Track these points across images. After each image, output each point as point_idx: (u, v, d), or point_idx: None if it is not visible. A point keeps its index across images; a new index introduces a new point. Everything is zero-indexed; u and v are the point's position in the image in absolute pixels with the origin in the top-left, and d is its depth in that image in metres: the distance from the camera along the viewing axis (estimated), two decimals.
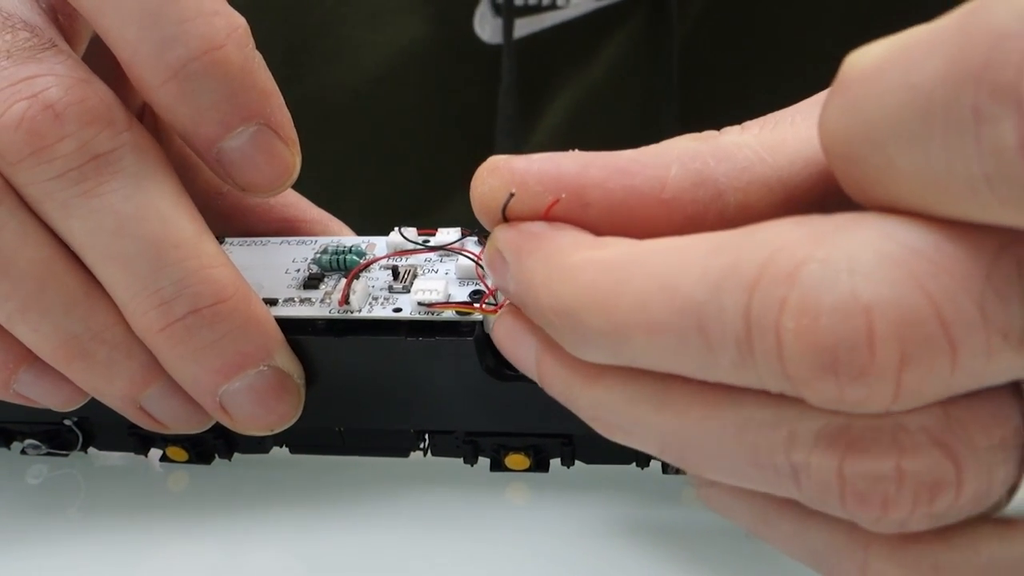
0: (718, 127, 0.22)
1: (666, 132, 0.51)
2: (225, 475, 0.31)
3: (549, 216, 0.22)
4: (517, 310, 0.23)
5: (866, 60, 0.17)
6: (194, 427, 0.28)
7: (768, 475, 0.19)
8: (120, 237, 0.24)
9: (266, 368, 0.26)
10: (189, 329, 0.25)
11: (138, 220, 0.24)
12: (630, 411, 0.21)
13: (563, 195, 0.21)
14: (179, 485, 0.31)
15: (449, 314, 0.26)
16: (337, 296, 0.27)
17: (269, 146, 0.26)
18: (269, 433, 0.27)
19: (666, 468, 0.29)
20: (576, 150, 0.22)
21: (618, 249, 0.20)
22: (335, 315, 0.27)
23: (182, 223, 0.25)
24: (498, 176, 0.22)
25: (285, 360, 0.26)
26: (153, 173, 0.25)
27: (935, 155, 0.16)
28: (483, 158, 0.60)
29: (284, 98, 0.61)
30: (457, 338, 0.26)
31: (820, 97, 0.22)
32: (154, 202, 0.25)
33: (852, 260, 0.16)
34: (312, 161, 0.60)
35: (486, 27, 0.54)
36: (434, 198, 0.57)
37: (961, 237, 0.16)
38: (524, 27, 0.53)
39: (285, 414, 0.27)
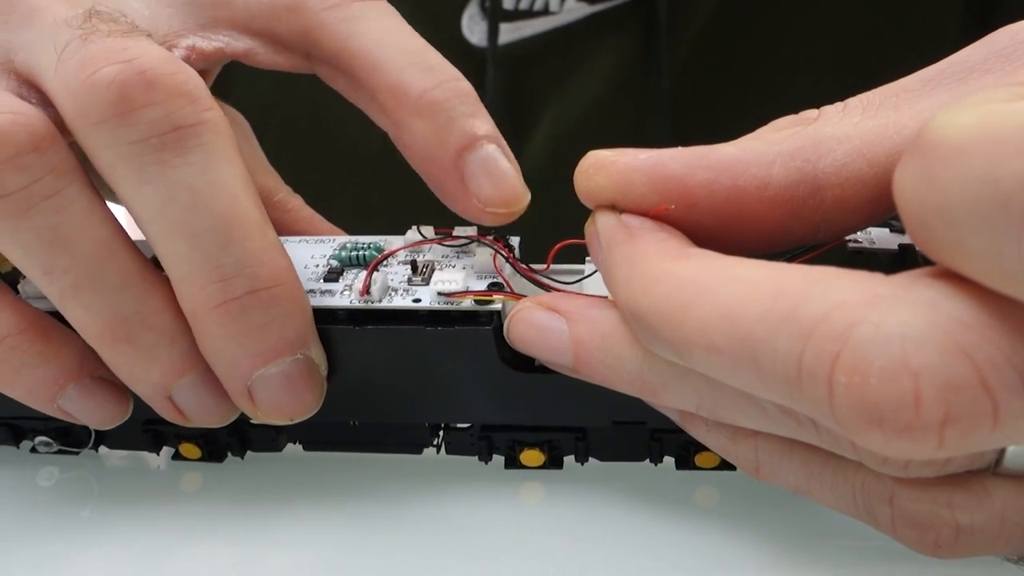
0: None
1: (657, 145, 0.52)
2: (238, 473, 0.31)
3: (653, 216, 0.23)
4: (541, 304, 0.25)
5: (949, 131, 0.17)
6: (216, 421, 0.27)
7: (795, 424, 0.22)
8: (192, 210, 0.25)
9: (301, 356, 0.26)
10: (244, 309, 0.25)
11: (212, 196, 0.25)
12: (679, 382, 0.23)
13: (672, 206, 0.22)
14: (192, 485, 0.31)
15: (468, 304, 0.27)
16: (358, 287, 0.27)
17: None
18: (288, 423, 0.27)
19: (679, 464, 0.29)
20: (679, 148, 0.23)
21: (695, 266, 0.21)
22: (356, 305, 0.27)
23: (250, 205, 0.25)
24: (604, 175, 0.23)
25: (317, 351, 0.27)
26: (229, 154, 0.25)
27: (1007, 250, 0.16)
28: None
29: (279, 100, 0.60)
30: (476, 327, 0.27)
31: (926, 75, 0.23)
32: (228, 181, 0.25)
33: (904, 326, 0.17)
34: (307, 161, 0.60)
35: (475, 30, 0.54)
36: (426, 202, 0.56)
37: (1010, 314, 0.17)
38: (513, 32, 0.53)
39: (309, 404, 0.27)
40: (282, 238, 0.31)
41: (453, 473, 0.30)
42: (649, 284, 0.21)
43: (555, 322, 0.24)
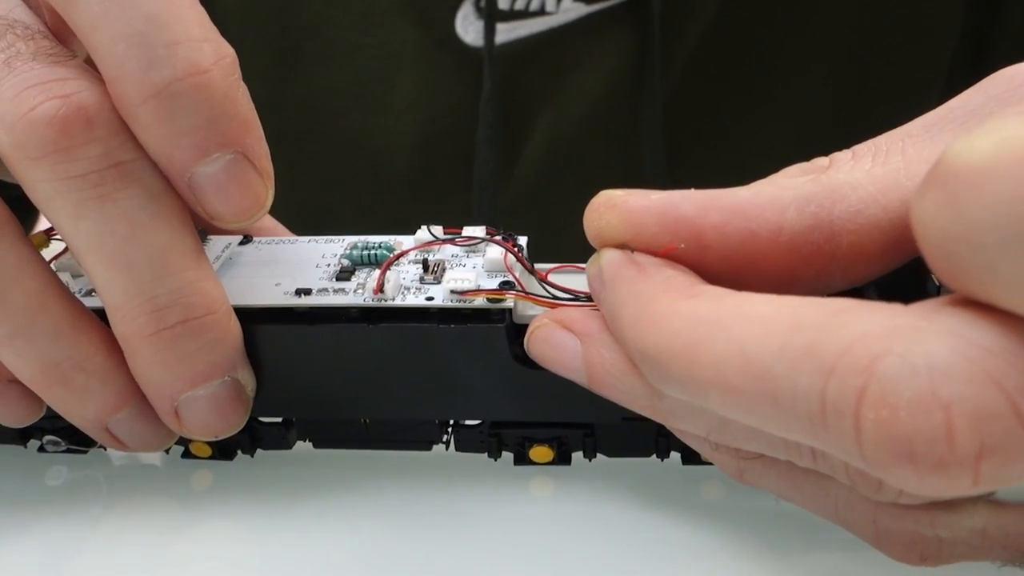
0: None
1: (650, 146, 0.51)
2: (248, 471, 0.31)
3: (663, 255, 0.22)
4: (558, 322, 0.25)
5: (970, 157, 0.17)
6: (154, 448, 0.28)
7: (796, 453, 0.22)
8: (129, 243, 0.25)
9: (228, 379, 0.27)
10: (176, 337, 0.26)
11: (149, 229, 0.25)
12: (691, 412, 0.22)
13: (682, 245, 0.22)
14: (203, 483, 0.31)
15: (480, 302, 0.27)
16: (371, 285, 0.27)
17: (243, 176, 0.25)
18: (212, 439, 0.28)
19: (686, 459, 0.29)
20: (692, 189, 0.22)
21: (706, 303, 0.20)
22: (369, 303, 0.27)
23: (186, 237, 0.26)
24: (615, 214, 0.23)
25: (244, 373, 0.28)
26: (165, 187, 0.25)
27: None
28: (471, 161, 0.59)
29: (275, 99, 0.60)
30: (488, 325, 0.27)
31: (927, 120, 0.23)
32: (165, 213, 0.25)
33: (930, 356, 0.17)
34: (303, 161, 0.60)
35: (469, 29, 0.54)
36: (425, 200, 0.57)
37: None
38: (508, 32, 0.53)
39: (234, 423, 0.28)
40: (291, 238, 0.31)
41: (462, 469, 0.30)
42: (658, 322, 0.20)
43: (569, 341, 0.24)
